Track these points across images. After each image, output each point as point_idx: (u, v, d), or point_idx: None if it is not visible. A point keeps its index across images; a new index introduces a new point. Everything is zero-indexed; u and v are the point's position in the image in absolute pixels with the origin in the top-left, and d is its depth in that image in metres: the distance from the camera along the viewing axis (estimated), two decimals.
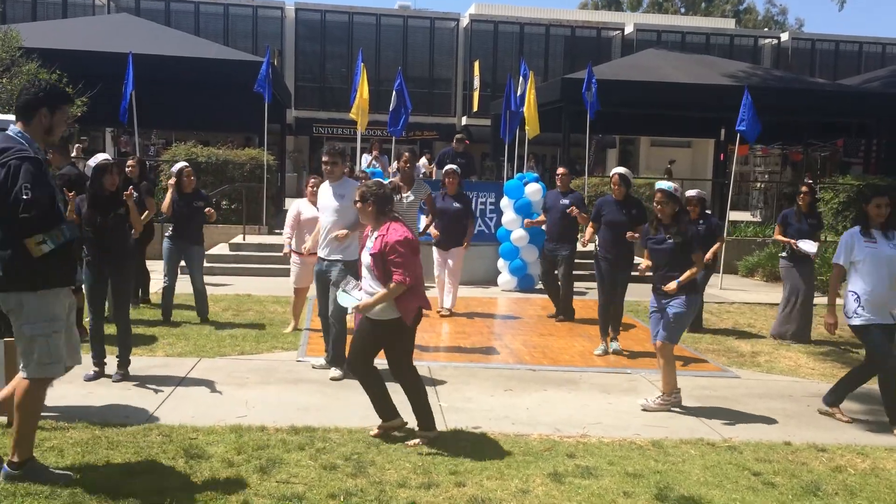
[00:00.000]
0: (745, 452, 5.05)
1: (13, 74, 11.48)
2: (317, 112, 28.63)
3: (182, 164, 8.54)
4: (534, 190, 10.86)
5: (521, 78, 13.61)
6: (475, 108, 22.51)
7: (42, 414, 4.64)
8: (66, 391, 5.60)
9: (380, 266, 4.75)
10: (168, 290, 8.24)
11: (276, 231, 13.72)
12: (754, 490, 4.44)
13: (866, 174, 16.80)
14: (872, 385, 6.04)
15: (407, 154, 8.42)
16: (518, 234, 10.92)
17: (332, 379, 6.26)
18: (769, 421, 5.81)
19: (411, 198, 8.21)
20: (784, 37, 32.00)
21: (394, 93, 12.86)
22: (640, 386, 6.64)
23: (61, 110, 4.06)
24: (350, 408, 5.54)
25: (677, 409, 5.93)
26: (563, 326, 8.95)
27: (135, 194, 6.27)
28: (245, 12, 28.69)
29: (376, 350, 4.98)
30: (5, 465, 4.00)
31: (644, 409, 5.91)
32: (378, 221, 4.86)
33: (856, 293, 5.72)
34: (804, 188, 8.98)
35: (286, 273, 11.26)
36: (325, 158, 6.43)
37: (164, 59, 14.48)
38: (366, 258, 4.87)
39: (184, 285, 8.57)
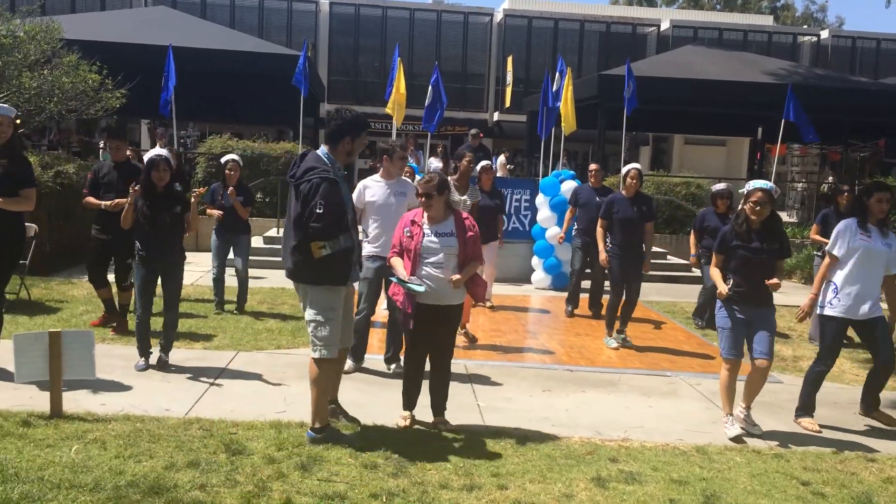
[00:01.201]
0: (793, 461, 4.94)
1: (54, 66, 11.63)
2: (350, 106, 28.47)
3: (229, 156, 8.65)
4: (570, 187, 10.74)
5: (557, 74, 13.49)
6: (508, 105, 22.33)
7: (82, 408, 4.68)
8: (109, 384, 5.63)
9: (463, 250, 5.03)
10: (217, 281, 8.43)
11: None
12: (804, 500, 4.33)
13: None
14: None
15: (469, 154, 8.26)
16: (553, 232, 10.82)
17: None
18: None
19: (468, 202, 7.89)
20: (824, 34, 31.39)
21: (430, 88, 12.82)
22: (680, 389, 6.53)
23: (361, 137, 4.76)
24: (390, 405, 5.50)
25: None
26: (599, 325, 8.84)
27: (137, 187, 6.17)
28: (280, 6, 28.79)
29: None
30: (309, 430, 4.72)
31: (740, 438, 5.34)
32: (447, 212, 5.11)
33: (835, 284, 5.68)
34: (845, 188, 8.86)
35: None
36: (400, 154, 6.45)
37: (201, 52, 14.57)
38: (445, 241, 5.01)
39: (208, 278, 8.58)
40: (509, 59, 20.53)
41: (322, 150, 4.73)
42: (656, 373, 7.01)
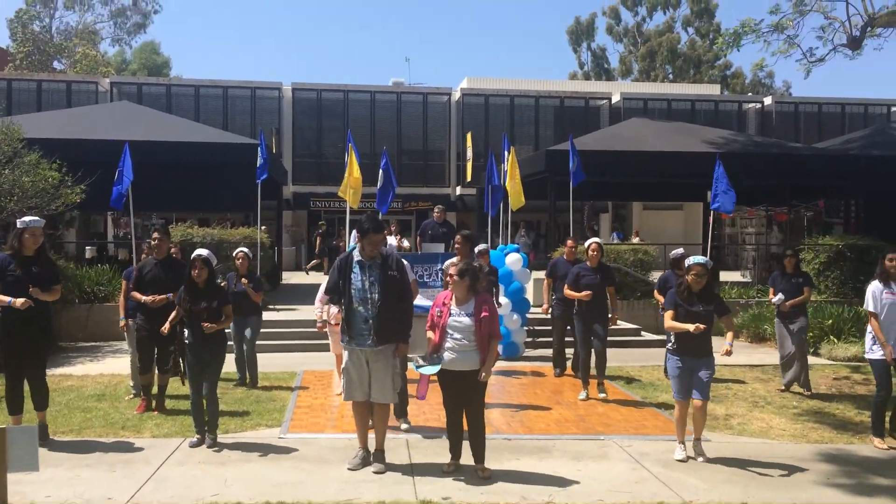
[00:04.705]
0: None
1: (15, 165, 12.04)
2: (314, 186, 29.30)
3: (240, 249, 9.65)
4: (514, 260, 11.24)
5: (506, 152, 14.16)
6: (468, 179, 23.16)
7: (28, 499, 4.90)
8: (53, 474, 5.86)
9: (484, 329, 5.92)
10: (239, 360, 9.39)
11: (272, 307, 14.04)
12: None
13: (846, 234, 17.17)
14: (848, 445, 7.10)
15: (460, 237, 8.99)
16: (501, 302, 11.21)
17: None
18: (732, 483, 6.02)
19: None
20: (768, 101, 32.86)
21: (381, 172, 13.38)
22: (610, 452, 6.86)
23: (367, 238, 6.00)
24: (325, 482, 5.79)
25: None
26: (542, 393, 9.19)
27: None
28: (244, 93, 29.67)
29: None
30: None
31: (690, 458, 6.59)
32: (470, 294, 6.02)
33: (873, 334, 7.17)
34: (789, 252, 9.84)
35: (283, 349, 11.72)
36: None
37: (162, 145, 15.10)
38: (465, 321, 5.95)
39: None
40: (468, 136, 21.39)
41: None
42: (590, 437, 7.33)
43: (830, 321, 12.57)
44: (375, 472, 6.06)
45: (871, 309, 7.18)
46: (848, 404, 8.86)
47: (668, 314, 6.73)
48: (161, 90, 29.36)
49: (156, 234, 8.19)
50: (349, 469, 6.12)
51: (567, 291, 9.25)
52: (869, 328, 7.23)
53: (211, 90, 29.47)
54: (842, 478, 6.20)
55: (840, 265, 15.08)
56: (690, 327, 6.44)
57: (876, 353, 7.14)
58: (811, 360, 10.92)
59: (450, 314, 6.03)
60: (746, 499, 5.61)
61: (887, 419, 7.31)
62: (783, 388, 9.49)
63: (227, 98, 29.54)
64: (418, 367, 6.02)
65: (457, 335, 5.97)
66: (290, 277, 22.73)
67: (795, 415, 8.39)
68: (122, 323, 8.68)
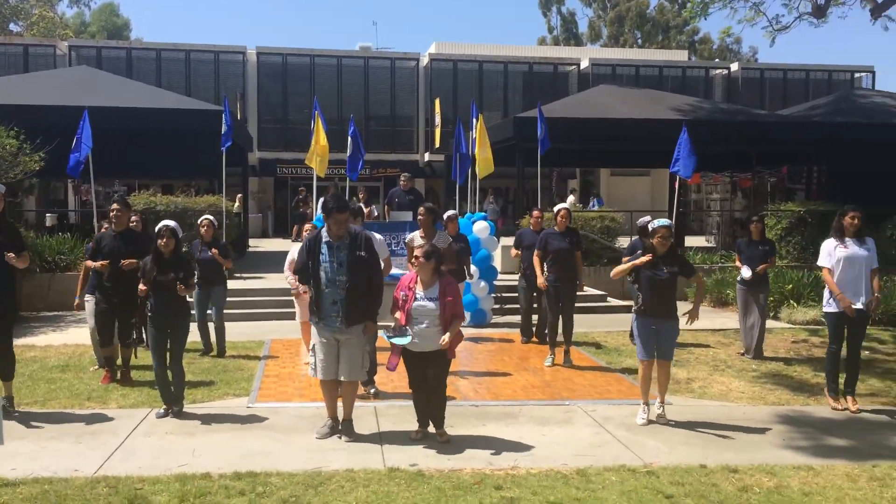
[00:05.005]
0: (662, 476, 5.41)
1: None
2: (281, 153, 29.00)
3: (204, 217, 9.57)
4: (481, 228, 11.28)
5: (474, 119, 14.10)
6: (437, 145, 23.04)
7: None
8: (19, 447, 5.82)
9: (447, 314, 5.97)
10: (203, 330, 9.31)
11: (239, 275, 13.95)
12: None
13: (808, 200, 17.48)
14: (804, 406, 7.29)
15: (423, 210, 9.00)
16: (473, 273, 11.26)
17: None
18: (691, 445, 6.19)
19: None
20: (734, 67, 33.08)
21: (349, 139, 13.28)
22: (575, 417, 6.99)
23: (332, 217, 5.92)
24: (293, 451, 5.83)
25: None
26: (509, 360, 9.31)
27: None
28: (207, 58, 29.11)
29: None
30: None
31: (651, 422, 6.75)
32: (435, 277, 6.05)
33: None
34: (755, 218, 9.93)
35: (250, 318, 11.67)
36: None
37: (123, 111, 14.80)
38: (430, 305, 5.99)
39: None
40: (437, 102, 21.24)
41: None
42: (555, 402, 7.46)
43: (791, 286, 12.85)
44: (346, 441, 6.11)
45: (824, 264, 7.37)
46: (805, 367, 9.11)
47: (626, 259, 6.93)
48: (121, 54, 28.70)
49: (115, 206, 8.01)
50: (317, 438, 6.17)
51: (535, 262, 9.31)
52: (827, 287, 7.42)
53: (173, 54, 28.88)
54: (798, 439, 6.40)
55: (801, 231, 15.39)
56: (639, 260, 6.71)
57: (830, 307, 7.32)
58: (771, 323, 11.19)
59: (415, 299, 6.06)
60: (705, 460, 5.76)
61: (842, 381, 7.51)
62: (742, 352, 9.70)
63: (190, 62, 28.98)
64: (389, 337, 6.05)
65: (421, 318, 6.02)
66: (257, 245, 22.57)
67: (754, 378, 8.60)
68: (76, 301, 8.54)
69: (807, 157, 18.86)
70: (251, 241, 21.97)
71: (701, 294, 7.32)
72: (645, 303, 6.81)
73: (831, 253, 7.32)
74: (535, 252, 9.35)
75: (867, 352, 9.30)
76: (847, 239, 7.27)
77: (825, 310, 7.46)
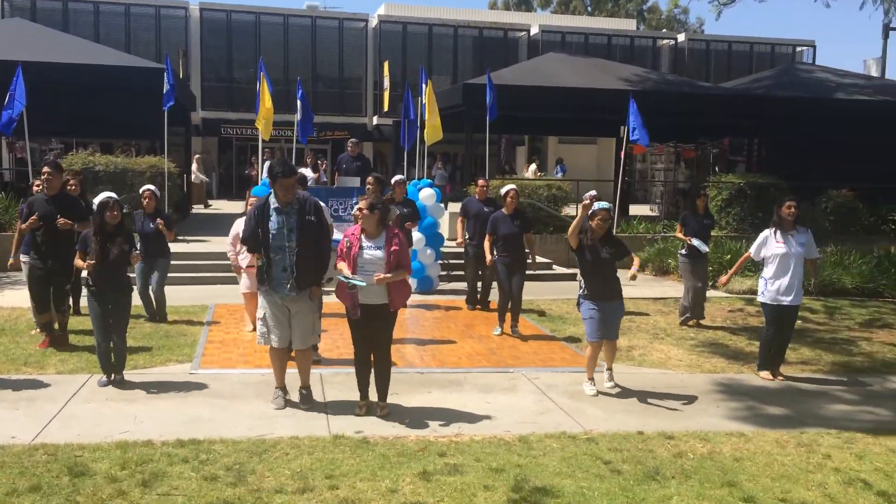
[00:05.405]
0: (601, 443, 5.58)
1: None
2: (225, 113, 28.29)
3: (146, 187, 9.27)
4: (427, 195, 11.28)
5: (423, 85, 14.00)
6: (385, 108, 22.80)
7: None
8: None
9: (392, 261, 5.88)
10: (144, 296, 9.07)
11: (181, 238, 13.68)
12: (601, 477, 4.95)
13: (748, 172, 17.92)
14: (738, 375, 7.61)
15: (372, 178, 9.10)
16: (415, 237, 11.28)
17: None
18: (629, 412, 6.37)
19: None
20: (681, 37, 33.41)
21: (298, 102, 13.07)
22: (519, 384, 7.12)
23: (279, 182, 5.83)
24: (237, 418, 5.81)
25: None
26: (455, 327, 9.39)
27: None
28: (148, 12, 28.07)
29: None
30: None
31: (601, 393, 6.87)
32: (381, 228, 5.97)
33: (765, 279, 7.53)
34: (701, 192, 10.11)
35: (193, 281, 11.50)
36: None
37: (60, 67, 14.22)
38: (377, 254, 5.91)
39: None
40: (385, 64, 20.97)
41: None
42: (500, 370, 7.58)
43: (729, 256, 13.19)
44: (305, 410, 6.13)
45: (752, 250, 7.66)
46: (741, 336, 9.42)
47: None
48: (57, 6, 27.43)
49: (46, 169, 7.73)
50: (276, 409, 6.13)
51: (486, 245, 9.20)
52: (763, 273, 7.55)
53: (112, 7, 27.75)
54: (732, 406, 6.65)
55: (741, 202, 15.78)
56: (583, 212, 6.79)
57: (765, 297, 7.49)
58: (709, 293, 11.48)
59: (360, 247, 5.97)
60: (643, 427, 5.95)
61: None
62: (682, 321, 9.92)
63: (130, 17, 27.91)
64: (347, 280, 5.84)
65: (367, 268, 5.91)
66: (200, 207, 22.14)
67: (692, 346, 8.87)
68: (10, 261, 8.26)
69: (748, 130, 19.28)
70: (194, 206, 21.52)
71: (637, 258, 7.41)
72: (589, 286, 6.89)
73: (765, 245, 7.50)
74: (487, 236, 9.20)
75: (799, 321, 9.65)
76: (784, 233, 7.40)
77: (760, 300, 7.64)
